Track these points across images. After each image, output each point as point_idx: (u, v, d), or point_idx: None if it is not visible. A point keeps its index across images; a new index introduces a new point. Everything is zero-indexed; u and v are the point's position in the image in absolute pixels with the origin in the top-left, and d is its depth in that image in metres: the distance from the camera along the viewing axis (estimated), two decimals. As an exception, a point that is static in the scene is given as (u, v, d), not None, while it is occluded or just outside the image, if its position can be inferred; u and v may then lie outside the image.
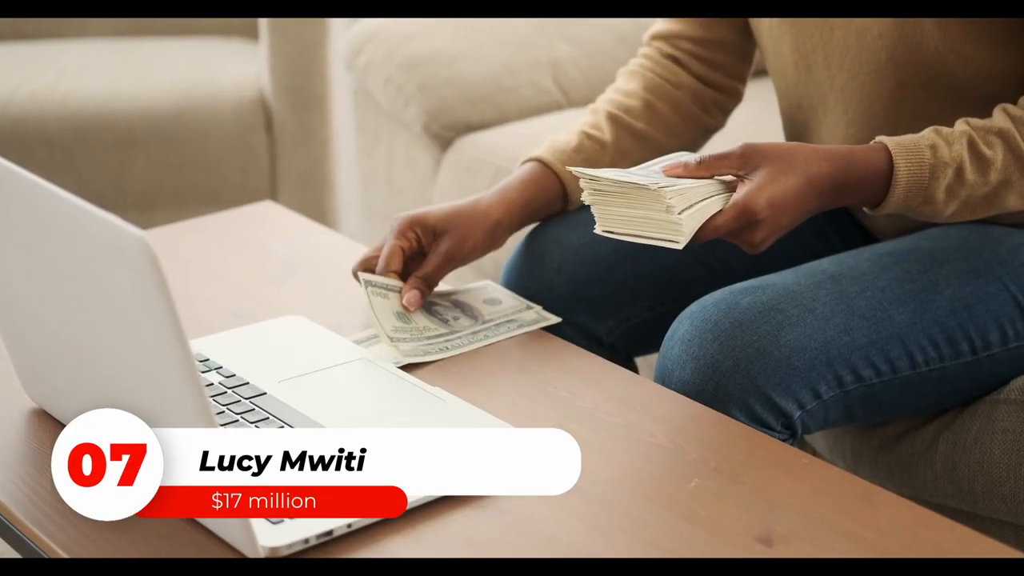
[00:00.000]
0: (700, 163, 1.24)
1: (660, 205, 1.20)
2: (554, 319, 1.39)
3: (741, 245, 1.25)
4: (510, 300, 1.41)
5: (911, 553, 1.03)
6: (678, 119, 1.50)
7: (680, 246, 1.20)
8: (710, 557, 1.03)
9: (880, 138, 1.28)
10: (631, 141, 1.47)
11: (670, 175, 1.23)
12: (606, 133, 1.46)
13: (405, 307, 1.34)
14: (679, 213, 1.19)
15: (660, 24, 1.55)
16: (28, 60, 2.76)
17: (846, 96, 1.39)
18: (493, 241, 1.40)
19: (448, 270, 1.37)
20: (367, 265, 1.38)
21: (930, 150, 1.27)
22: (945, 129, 1.28)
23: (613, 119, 1.47)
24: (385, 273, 1.35)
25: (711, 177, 1.24)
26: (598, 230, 1.25)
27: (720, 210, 1.22)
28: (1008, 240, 1.39)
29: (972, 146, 1.27)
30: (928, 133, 1.28)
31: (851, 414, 1.33)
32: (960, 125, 1.29)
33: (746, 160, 1.24)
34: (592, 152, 1.44)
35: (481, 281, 1.44)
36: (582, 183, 1.25)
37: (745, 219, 1.22)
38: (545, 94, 2.35)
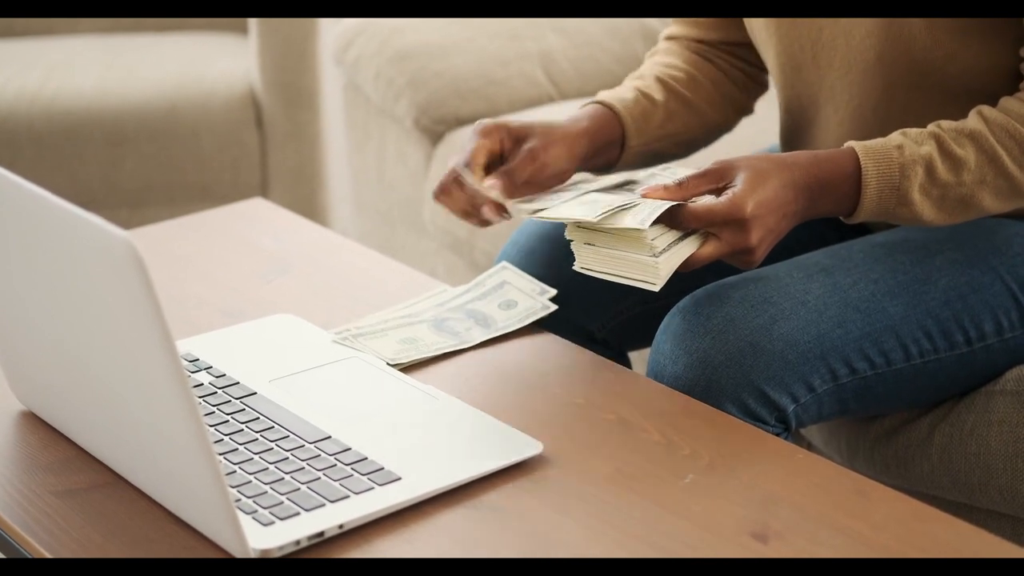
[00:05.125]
0: (680, 184, 1.24)
1: (644, 248, 1.20)
2: (545, 311, 1.38)
3: (736, 260, 1.24)
4: (526, 299, 1.39)
5: (907, 547, 1.03)
6: (717, 94, 1.50)
7: (656, 288, 1.21)
8: (705, 554, 1.02)
9: (850, 142, 1.29)
10: (678, 104, 1.47)
11: (649, 197, 1.23)
12: (657, 94, 1.46)
13: (487, 196, 1.30)
14: (659, 253, 1.20)
15: (672, 28, 1.55)
16: (16, 57, 2.75)
17: (836, 95, 1.38)
18: (571, 155, 1.38)
19: (530, 170, 1.34)
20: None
21: (897, 150, 1.27)
22: (913, 130, 1.29)
23: (662, 82, 1.48)
24: (472, 167, 1.32)
25: (689, 198, 1.24)
26: (576, 267, 1.25)
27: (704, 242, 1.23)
28: (1002, 230, 1.39)
29: (941, 145, 1.27)
30: (895, 135, 1.29)
31: (845, 407, 1.33)
32: (930, 127, 1.29)
33: (723, 175, 1.24)
34: (646, 109, 1.45)
35: (496, 267, 1.42)
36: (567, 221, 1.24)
37: (734, 216, 1.21)
38: (536, 86, 2.34)
